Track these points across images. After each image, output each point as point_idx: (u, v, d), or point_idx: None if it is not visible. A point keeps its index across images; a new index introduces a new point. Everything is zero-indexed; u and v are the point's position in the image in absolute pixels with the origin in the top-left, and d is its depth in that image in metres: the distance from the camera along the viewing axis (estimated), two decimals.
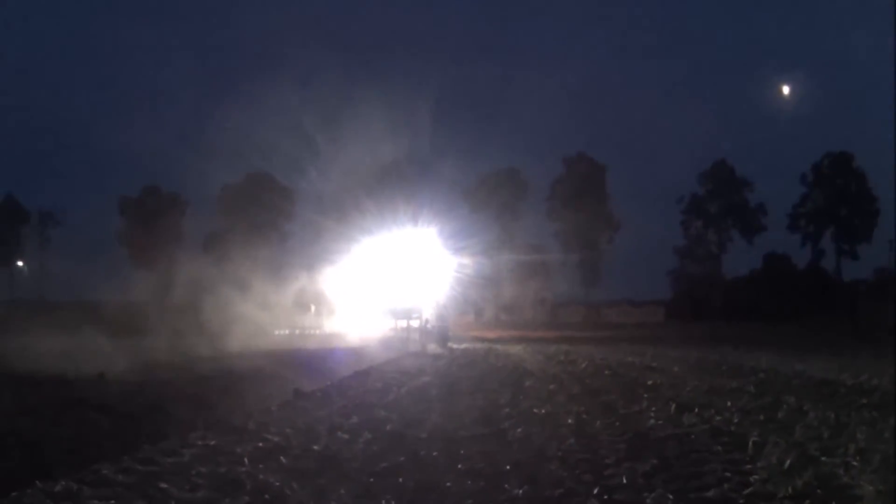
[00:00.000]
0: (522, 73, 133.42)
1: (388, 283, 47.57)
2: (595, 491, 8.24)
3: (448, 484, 8.63)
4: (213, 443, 10.65)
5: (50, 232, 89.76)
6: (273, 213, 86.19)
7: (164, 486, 8.39)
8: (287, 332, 50.05)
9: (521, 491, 8.30)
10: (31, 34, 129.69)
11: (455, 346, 41.13)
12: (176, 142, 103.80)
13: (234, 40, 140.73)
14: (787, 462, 9.12)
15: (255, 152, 79.54)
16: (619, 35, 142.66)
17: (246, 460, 9.53)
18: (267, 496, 8.15)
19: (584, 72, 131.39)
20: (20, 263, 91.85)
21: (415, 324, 45.55)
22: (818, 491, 8.08)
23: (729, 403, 14.42)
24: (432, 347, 39.70)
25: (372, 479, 8.84)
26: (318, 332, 52.41)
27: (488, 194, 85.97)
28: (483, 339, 50.59)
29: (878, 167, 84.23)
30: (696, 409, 13.53)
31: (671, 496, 8.01)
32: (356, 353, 32.75)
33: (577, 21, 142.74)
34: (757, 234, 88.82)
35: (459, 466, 9.38)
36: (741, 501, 7.91)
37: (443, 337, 42.90)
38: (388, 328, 48.33)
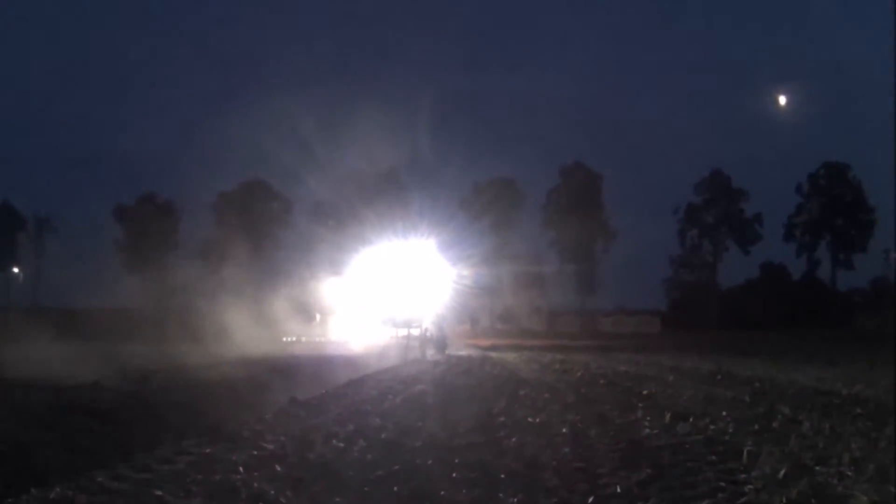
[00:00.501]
0: (519, 83, 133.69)
1: (388, 292, 48.35)
2: (590, 500, 8.26)
3: (443, 492, 8.63)
4: (208, 450, 10.67)
5: (45, 238, 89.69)
6: (270, 222, 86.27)
7: (158, 493, 8.40)
8: (293, 339, 51.39)
9: (515, 499, 8.31)
10: (28, 40, 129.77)
11: (453, 353, 41.66)
12: (173, 149, 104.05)
13: (232, 49, 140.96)
14: (782, 472, 9.12)
15: (252, 160, 79.88)
16: (616, 44, 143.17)
17: (241, 468, 9.53)
18: None
19: (580, 81, 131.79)
20: (15, 270, 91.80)
21: (414, 332, 46.52)
22: (812, 501, 8.09)
23: (724, 413, 14.41)
24: (431, 354, 40.62)
25: (367, 488, 8.85)
26: (322, 339, 53.23)
27: (484, 204, 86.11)
28: (479, 348, 50.78)
29: (875, 178, 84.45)
30: (691, 419, 13.53)
31: None
32: (360, 359, 33.28)
33: (574, 30, 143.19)
34: (753, 243, 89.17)
35: (454, 475, 9.38)
36: None
37: (441, 345, 43.82)
38: (389, 336, 49.12)
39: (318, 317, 57.67)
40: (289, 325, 52.47)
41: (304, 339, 53.06)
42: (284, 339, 50.70)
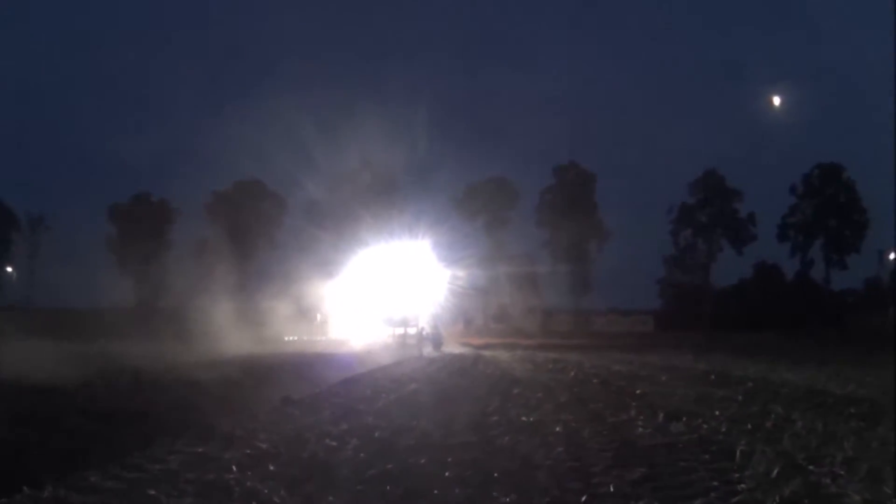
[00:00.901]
0: (513, 83, 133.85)
1: (386, 293, 49.80)
2: (583, 499, 8.26)
3: (436, 491, 8.63)
4: (201, 449, 10.65)
5: (39, 238, 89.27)
6: (267, 222, 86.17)
7: (151, 492, 8.39)
8: (295, 338, 52.30)
9: (508, 499, 8.31)
10: (23, 41, 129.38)
11: (447, 352, 42.60)
12: (168, 149, 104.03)
13: (228, 49, 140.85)
14: (775, 471, 9.14)
15: (247, 160, 79.84)
16: (611, 45, 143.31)
17: (234, 467, 9.52)
18: (255, 503, 8.15)
19: (574, 81, 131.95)
20: (9, 269, 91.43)
21: (412, 331, 49.33)
22: (805, 500, 8.11)
23: (717, 412, 14.44)
24: (428, 351, 42.60)
25: (360, 487, 8.84)
26: (323, 338, 54.30)
27: (478, 203, 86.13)
28: (474, 347, 51.14)
29: (868, 178, 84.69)
30: (684, 418, 13.54)
31: None
32: (360, 357, 34.22)
33: (569, 31, 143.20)
34: (746, 243, 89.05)
35: (447, 474, 9.38)
36: None
37: (437, 342, 46.48)
38: (387, 335, 50.40)
39: (318, 316, 58.62)
40: (290, 324, 53.40)
41: (305, 338, 54.14)
42: (286, 338, 51.64)
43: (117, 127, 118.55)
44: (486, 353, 41.67)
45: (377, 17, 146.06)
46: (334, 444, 11.32)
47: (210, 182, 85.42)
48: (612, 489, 8.64)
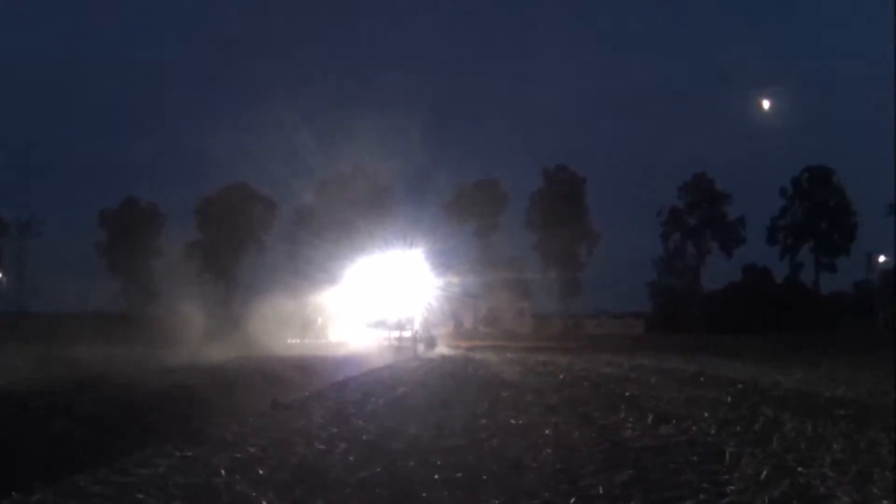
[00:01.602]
0: (504, 86, 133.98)
1: (381, 298, 51.38)
2: (571, 501, 8.25)
3: (424, 494, 8.62)
4: (190, 454, 10.62)
5: (29, 243, 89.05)
6: (256, 226, 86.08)
7: (140, 496, 8.36)
8: (297, 341, 54.09)
9: (497, 501, 8.30)
10: (12, 45, 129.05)
11: (439, 351, 43.86)
12: (158, 154, 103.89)
13: (219, 54, 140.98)
14: (764, 473, 9.15)
15: (240, 165, 79.87)
16: (601, 48, 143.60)
17: (223, 471, 9.49)
18: None
19: (565, 84, 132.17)
20: None
21: (406, 334, 50.76)
22: (794, 502, 8.13)
23: (706, 414, 14.45)
24: (422, 351, 45.71)
25: (349, 490, 8.82)
26: (323, 342, 55.51)
27: (468, 207, 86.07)
28: (464, 350, 51.43)
29: (857, 181, 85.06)
30: (674, 420, 13.55)
31: None
32: (361, 359, 35.17)
33: (561, 34, 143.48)
34: (736, 246, 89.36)
35: (436, 477, 9.37)
36: None
37: (430, 343, 50.21)
38: (383, 338, 51.80)
39: (318, 320, 59.64)
40: (292, 328, 54.38)
41: (307, 341, 55.11)
42: (289, 341, 52.75)
43: (107, 132, 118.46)
44: (476, 355, 41.74)
45: (368, 21, 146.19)
46: (323, 447, 11.30)
47: (199, 186, 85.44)
48: (600, 491, 8.63)
